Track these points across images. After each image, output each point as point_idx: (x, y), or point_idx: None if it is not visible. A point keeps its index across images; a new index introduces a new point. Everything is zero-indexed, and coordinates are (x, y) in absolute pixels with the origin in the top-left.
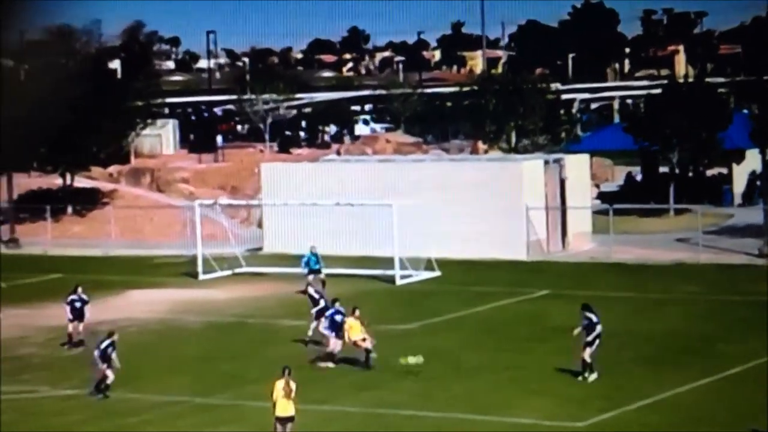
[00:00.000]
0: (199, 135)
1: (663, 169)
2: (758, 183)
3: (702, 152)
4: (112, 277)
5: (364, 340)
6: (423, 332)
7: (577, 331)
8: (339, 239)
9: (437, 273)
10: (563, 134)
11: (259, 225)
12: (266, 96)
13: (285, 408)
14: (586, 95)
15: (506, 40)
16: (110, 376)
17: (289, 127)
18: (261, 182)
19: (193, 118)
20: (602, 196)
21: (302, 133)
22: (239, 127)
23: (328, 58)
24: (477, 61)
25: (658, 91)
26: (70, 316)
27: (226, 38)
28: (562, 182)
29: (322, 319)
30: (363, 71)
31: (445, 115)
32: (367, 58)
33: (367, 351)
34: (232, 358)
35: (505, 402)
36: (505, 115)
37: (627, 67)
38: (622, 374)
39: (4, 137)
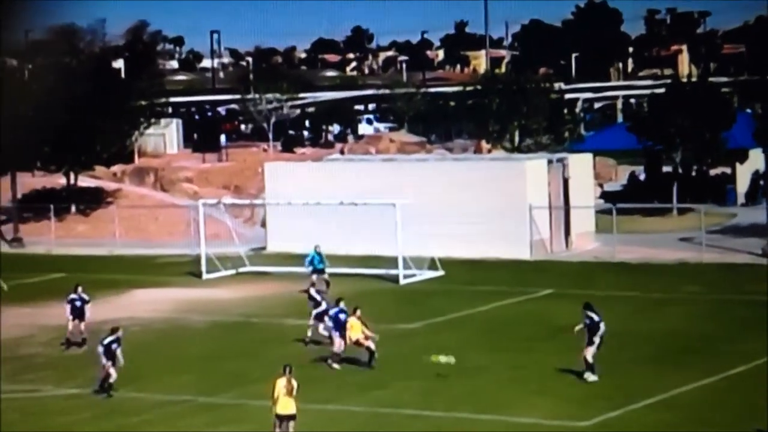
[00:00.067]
0: (202, 134)
1: (666, 169)
2: (761, 182)
3: (705, 152)
4: (116, 276)
5: (366, 338)
6: (426, 332)
7: (578, 327)
8: (342, 238)
9: (440, 272)
10: (566, 134)
11: (263, 224)
12: (270, 95)
13: (286, 406)
14: (590, 95)
15: (510, 39)
16: (113, 374)
17: (293, 127)
18: (264, 181)
19: (196, 117)
20: (605, 196)
21: (306, 133)
22: (243, 127)
23: (332, 57)
24: (480, 61)
25: (661, 90)
26: (70, 316)
27: (229, 38)
28: (566, 182)
29: (326, 320)
30: (366, 71)
31: (449, 115)
32: (370, 57)
33: (371, 351)
34: (235, 357)
35: (508, 401)
36: (508, 115)
37: (630, 67)
38: (626, 374)
39: (7, 136)
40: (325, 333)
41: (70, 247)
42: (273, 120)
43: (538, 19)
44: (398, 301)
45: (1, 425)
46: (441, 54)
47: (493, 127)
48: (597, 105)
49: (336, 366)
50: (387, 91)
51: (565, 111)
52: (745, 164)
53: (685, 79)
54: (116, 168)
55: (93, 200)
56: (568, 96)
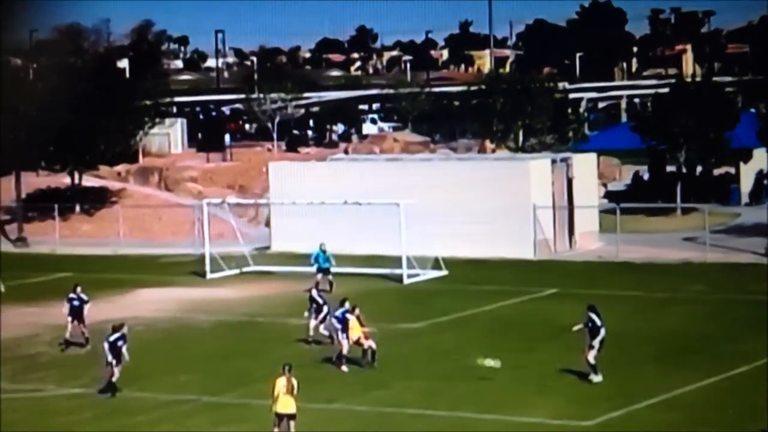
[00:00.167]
0: (207, 134)
1: (670, 169)
2: (765, 182)
3: (709, 151)
4: (121, 275)
5: (367, 338)
6: (430, 331)
7: (576, 327)
8: (346, 238)
9: (444, 272)
10: (571, 133)
11: (267, 224)
12: (274, 95)
13: (286, 405)
14: (594, 94)
15: (514, 39)
16: (116, 373)
17: (297, 126)
18: (269, 181)
19: (201, 117)
20: (609, 195)
21: (310, 132)
22: (247, 126)
23: (336, 57)
24: (485, 61)
25: (665, 90)
26: (69, 317)
27: (234, 37)
28: (570, 181)
29: (333, 321)
30: (371, 70)
31: (453, 115)
32: (375, 57)
33: (372, 350)
34: (239, 356)
35: (512, 401)
36: (512, 115)
37: (635, 67)
38: (630, 373)
39: (12, 136)
40: (326, 333)
41: (74, 246)
42: (277, 119)
43: (543, 18)
44: (402, 300)
45: (2, 425)
46: (445, 54)
47: (497, 127)
48: (601, 105)
49: (344, 368)
50: (391, 91)
51: (569, 111)
52: (749, 164)
53: (689, 79)
54: (120, 168)
55: (97, 200)
56: (572, 96)
